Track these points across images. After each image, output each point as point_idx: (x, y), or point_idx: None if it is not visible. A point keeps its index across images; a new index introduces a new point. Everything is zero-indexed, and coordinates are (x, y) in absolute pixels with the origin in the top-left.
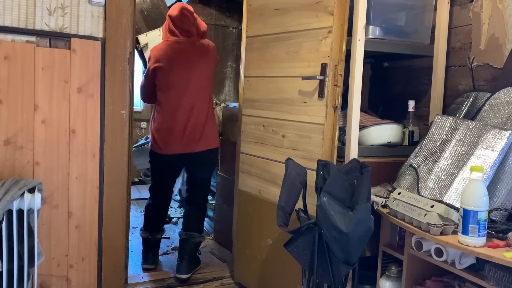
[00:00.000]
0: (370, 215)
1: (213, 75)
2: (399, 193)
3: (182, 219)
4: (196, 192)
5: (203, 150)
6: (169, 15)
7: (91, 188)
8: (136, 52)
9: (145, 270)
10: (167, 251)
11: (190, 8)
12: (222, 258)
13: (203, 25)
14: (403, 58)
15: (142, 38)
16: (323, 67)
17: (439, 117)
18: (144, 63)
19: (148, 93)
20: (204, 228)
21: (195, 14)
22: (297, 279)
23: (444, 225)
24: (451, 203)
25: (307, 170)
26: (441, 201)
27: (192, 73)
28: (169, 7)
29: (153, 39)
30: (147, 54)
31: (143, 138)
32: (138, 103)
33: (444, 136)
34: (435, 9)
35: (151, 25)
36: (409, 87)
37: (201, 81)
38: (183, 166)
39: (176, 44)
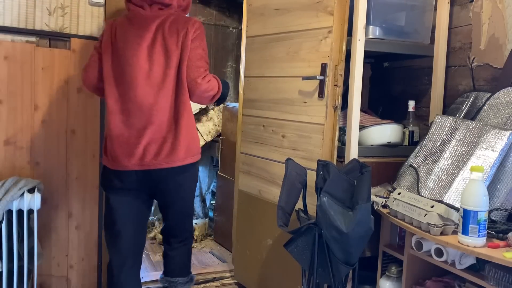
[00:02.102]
0: (370, 215)
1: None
2: (399, 193)
3: (162, 258)
4: (173, 228)
5: (170, 166)
6: None
7: (91, 189)
8: None
9: None
10: None
11: None
12: (222, 258)
13: None
14: (403, 58)
15: None
16: (323, 67)
17: (439, 117)
18: None
19: (90, 80)
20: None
21: None
22: (297, 279)
23: (444, 225)
24: (451, 203)
25: (307, 170)
26: (441, 201)
27: (154, 62)
28: None
29: None
30: None
31: None
32: None
33: (444, 136)
34: (435, 9)
35: None
36: (409, 87)
37: (169, 73)
38: (148, 192)
39: (136, 17)
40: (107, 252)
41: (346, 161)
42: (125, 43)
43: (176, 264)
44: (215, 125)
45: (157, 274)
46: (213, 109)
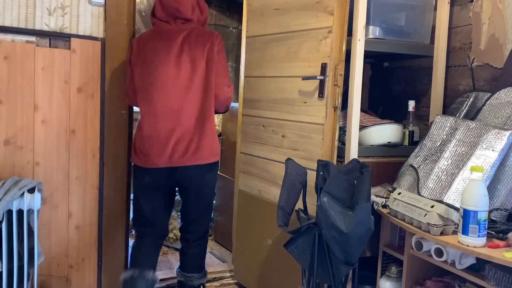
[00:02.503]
0: (370, 215)
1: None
2: (399, 193)
3: (179, 257)
4: (193, 223)
5: (195, 164)
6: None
7: (91, 188)
8: None
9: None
10: (167, 251)
11: None
12: (222, 258)
13: (205, 9)
14: (403, 58)
15: None
16: (323, 67)
17: (439, 117)
18: None
19: (132, 98)
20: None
21: None
22: (297, 279)
23: (444, 225)
24: (451, 203)
25: (307, 170)
26: (441, 201)
27: (182, 70)
28: None
29: None
30: None
31: None
32: None
33: (444, 136)
34: (435, 9)
35: (149, 26)
36: (409, 87)
37: (196, 80)
38: (173, 187)
39: (163, 31)
40: (135, 233)
41: (346, 161)
42: (154, 53)
43: (192, 262)
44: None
45: (157, 274)
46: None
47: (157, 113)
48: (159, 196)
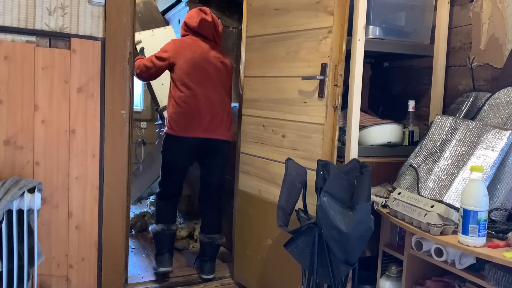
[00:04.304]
0: (370, 215)
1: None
2: (399, 193)
3: (201, 222)
4: (211, 192)
5: (220, 138)
6: (186, 23)
7: (91, 188)
8: None
9: (161, 273)
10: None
11: (207, 11)
12: (222, 258)
13: (220, 28)
14: (403, 58)
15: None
16: (323, 67)
17: (439, 117)
18: None
19: (151, 75)
20: None
21: (213, 16)
22: (297, 279)
23: (444, 225)
24: (451, 203)
25: (307, 170)
26: (441, 201)
27: (211, 68)
28: (162, 12)
29: (146, 38)
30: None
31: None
32: (138, 103)
33: (444, 136)
34: (435, 9)
35: (144, 27)
36: (409, 87)
37: (221, 80)
38: (199, 155)
39: (197, 42)
40: (161, 187)
41: (346, 161)
42: (192, 53)
43: (213, 223)
44: None
45: (157, 274)
46: None
47: (197, 95)
48: (185, 160)
